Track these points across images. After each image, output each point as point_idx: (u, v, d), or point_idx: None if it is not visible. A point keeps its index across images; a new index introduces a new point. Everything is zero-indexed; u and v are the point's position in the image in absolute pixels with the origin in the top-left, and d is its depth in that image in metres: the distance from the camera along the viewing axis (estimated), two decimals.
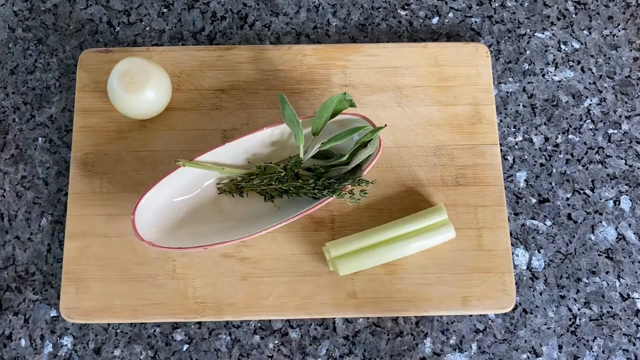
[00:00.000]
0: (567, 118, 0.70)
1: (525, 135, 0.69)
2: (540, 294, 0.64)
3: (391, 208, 0.64)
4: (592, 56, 0.72)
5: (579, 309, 0.64)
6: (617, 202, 0.67)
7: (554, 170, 0.68)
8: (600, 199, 0.67)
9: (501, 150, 0.68)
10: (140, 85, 0.61)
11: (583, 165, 0.68)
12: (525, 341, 0.63)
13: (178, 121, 0.67)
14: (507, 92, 0.71)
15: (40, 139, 0.68)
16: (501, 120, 0.69)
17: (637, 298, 0.64)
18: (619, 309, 0.64)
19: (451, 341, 0.62)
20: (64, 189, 0.66)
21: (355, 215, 0.64)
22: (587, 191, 0.68)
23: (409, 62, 0.69)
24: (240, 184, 0.62)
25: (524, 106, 0.70)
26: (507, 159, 0.68)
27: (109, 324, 0.63)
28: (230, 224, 0.62)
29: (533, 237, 0.66)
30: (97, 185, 0.65)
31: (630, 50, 0.73)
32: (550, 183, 0.68)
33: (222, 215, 0.62)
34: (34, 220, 0.66)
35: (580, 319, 0.64)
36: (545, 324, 0.63)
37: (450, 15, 0.74)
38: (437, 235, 0.61)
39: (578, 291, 0.64)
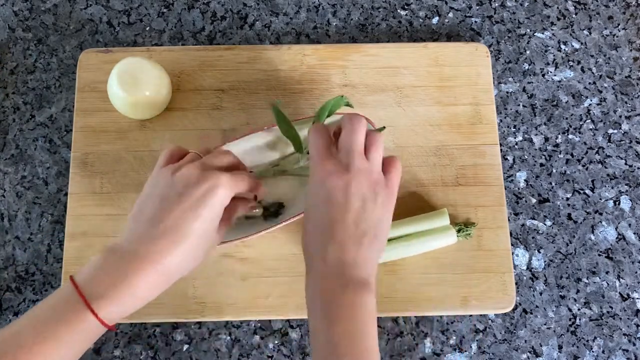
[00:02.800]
0: (567, 118, 0.70)
1: (525, 135, 0.69)
2: (540, 294, 0.64)
3: None
4: (592, 56, 0.72)
5: (579, 309, 0.64)
6: (617, 202, 0.67)
7: (554, 170, 0.68)
8: (600, 199, 0.67)
9: (501, 150, 0.68)
10: (140, 85, 0.61)
11: (583, 165, 0.68)
12: (525, 341, 0.63)
13: (178, 121, 0.67)
14: (507, 92, 0.71)
15: (40, 139, 0.68)
16: (501, 120, 0.69)
17: (637, 298, 0.64)
18: (619, 309, 0.64)
19: (451, 341, 0.62)
20: (64, 189, 0.66)
21: None
22: (587, 191, 0.68)
23: (409, 62, 0.69)
24: None
25: (524, 106, 0.70)
26: (507, 159, 0.68)
27: None
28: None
29: (533, 237, 0.66)
30: (97, 185, 0.65)
31: (630, 50, 0.73)
32: (550, 183, 0.68)
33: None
34: (34, 220, 0.66)
35: (580, 319, 0.64)
36: (545, 324, 0.63)
37: (450, 15, 0.74)
38: (438, 239, 0.61)
39: (578, 291, 0.64)
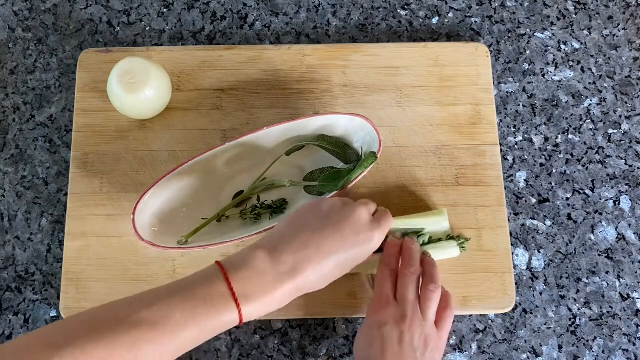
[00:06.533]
0: (567, 118, 0.70)
1: (525, 135, 0.69)
2: (540, 294, 0.64)
3: (391, 208, 0.64)
4: (592, 56, 0.72)
5: (579, 309, 0.64)
6: (617, 202, 0.67)
7: (554, 170, 0.68)
8: (600, 199, 0.67)
9: (501, 150, 0.68)
10: (140, 85, 0.61)
11: (583, 165, 0.68)
12: (525, 341, 0.63)
13: (178, 121, 0.67)
14: (507, 92, 0.71)
15: (40, 139, 0.68)
16: (501, 120, 0.69)
17: (637, 298, 0.64)
18: (619, 309, 0.64)
19: (451, 341, 0.62)
20: (64, 189, 0.66)
21: None
22: (587, 191, 0.68)
23: (409, 62, 0.69)
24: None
25: (524, 106, 0.70)
26: (507, 159, 0.68)
27: None
28: (230, 223, 0.62)
29: (533, 237, 0.66)
30: (97, 185, 0.65)
31: (630, 50, 0.73)
32: (550, 183, 0.68)
33: None
34: (34, 220, 0.66)
35: (580, 319, 0.64)
36: (545, 324, 0.63)
37: (450, 15, 0.74)
38: (441, 253, 0.61)
39: (578, 291, 0.64)
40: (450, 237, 0.62)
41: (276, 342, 0.62)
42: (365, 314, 0.56)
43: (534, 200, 0.67)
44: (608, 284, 0.65)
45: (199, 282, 0.46)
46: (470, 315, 0.63)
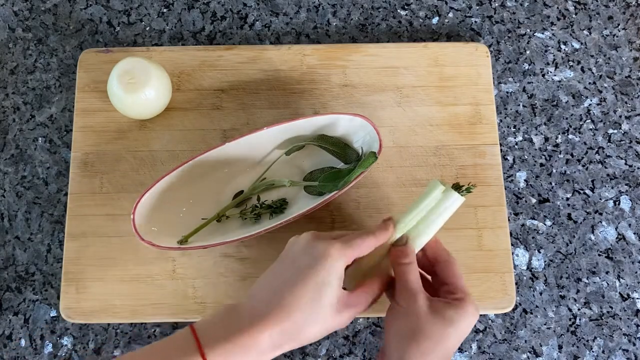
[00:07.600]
0: (567, 118, 0.70)
1: (525, 135, 0.69)
2: (540, 294, 0.64)
3: (391, 208, 0.64)
4: (592, 56, 0.72)
5: (579, 309, 0.64)
6: (617, 202, 0.67)
7: (554, 170, 0.68)
8: (600, 199, 0.67)
9: (501, 150, 0.68)
10: (140, 85, 0.61)
11: (583, 165, 0.68)
12: (525, 341, 0.63)
13: (178, 121, 0.67)
14: (507, 92, 0.71)
15: (40, 139, 0.68)
16: (501, 120, 0.69)
17: (637, 298, 0.64)
18: (619, 309, 0.64)
19: None
20: (64, 189, 0.66)
21: (355, 215, 0.64)
22: (587, 191, 0.68)
23: (409, 62, 0.69)
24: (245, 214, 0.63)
25: (524, 106, 0.70)
26: (507, 159, 0.68)
27: (109, 324, 0.63)
28: (230, 223, 0.62)
29: (533, 237, 0.66)
30: (97, 185, 0.65)
31: (630, 50, 0.73)
32: (550, 183, 0.68)
33: None
34: (34, 220, 0.66)
35: (580, 319, 0.64)
36: (545, 324, 0.63)
37: (450, 15, 0.74)
38: (448, 207, 0.54)
39: (578, 291, 0.64)
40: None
41: None
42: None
43: (534, 200, 0.67)
44: (608, 284, 0.65)
45: (169, 339, 0.47)
46: None
